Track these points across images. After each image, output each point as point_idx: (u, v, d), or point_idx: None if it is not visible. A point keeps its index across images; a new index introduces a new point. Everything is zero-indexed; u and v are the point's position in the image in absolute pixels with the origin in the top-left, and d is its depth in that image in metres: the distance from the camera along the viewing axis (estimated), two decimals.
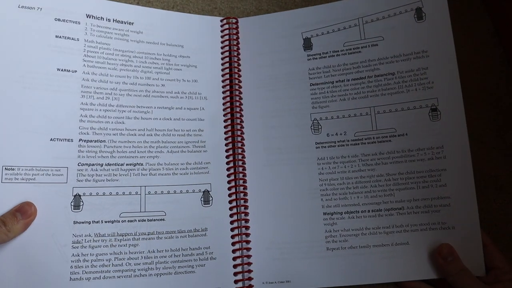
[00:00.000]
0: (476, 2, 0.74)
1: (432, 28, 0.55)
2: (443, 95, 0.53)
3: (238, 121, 0.56)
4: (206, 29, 0.59)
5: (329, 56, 0.57)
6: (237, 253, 0.49)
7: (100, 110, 0.52)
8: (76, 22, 0.53)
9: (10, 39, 0.50)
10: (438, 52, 0.54)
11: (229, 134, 0.55)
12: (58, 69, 0.51)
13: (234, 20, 0.60)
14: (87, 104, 0.51)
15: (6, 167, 0.47)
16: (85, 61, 0.52)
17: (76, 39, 0.52)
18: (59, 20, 0.52)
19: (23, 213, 0.46)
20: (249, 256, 0.49)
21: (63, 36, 0.52)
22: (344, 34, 0.57)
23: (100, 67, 0.53)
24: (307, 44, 0.58)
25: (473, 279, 0.47)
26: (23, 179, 0.47)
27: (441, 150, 0.52)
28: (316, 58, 0.57)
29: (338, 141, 0.54)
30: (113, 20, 0.55)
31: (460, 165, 0.52)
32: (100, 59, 0.53)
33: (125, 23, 0.55)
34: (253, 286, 0.48)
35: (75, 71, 0.51)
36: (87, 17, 0.54)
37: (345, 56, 0.56)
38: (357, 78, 0.55)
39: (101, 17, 0.55)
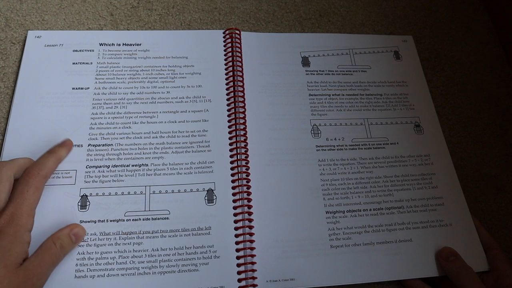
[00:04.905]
0: (476, 2, 0.74)
1: (407, 66, 0.66)
2: (422, 115, 0.62)
3: (242, 121, 0.56)
4: (208, 41, 0.63)
5: (325, 74, 0.62)
6: (241, 252, 0.50)
7: (109, 117, 0.55)
8: (90, 50, 0.60)
9: (35, 70, 0.58)
10: (414, 84, 0.64)
11: (233, 134, 0.56)
12: (73, 88, 0.57)
13: (237, 32, 0.63)
14: (97, 114, 0.55)
15: None
16: (96, 79, 0.58)
17: (90, 63, 0.59)
18: (76, 51, 0.60)
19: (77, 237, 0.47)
20: (253, 256, 0.50)
21: (78, 62, 0.59)
22: (337, 59, 0.65)
23: (110, 82, 0.58)
24: (305, 62, 0.63)
25: (475, 278, 0.47)
26: None
27: (428, 157, 0.58)
28: (314, 74, 0.62)
29: (337, 145, 0.57)
30: (123, 44, 0.61)
31: (446, 170, 0.58)
32: (110, 75, 0.58)
33: (133, 45, 0.61)
34: (256, 285, 0.48)
35: (88, 88, 0.57)
36: (100, 45, 0.61)
37: (339, 76, 0.63)
38: (350, 94, 0.62)
39: (112, 43, 0.61)
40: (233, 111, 0.57)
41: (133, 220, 0.50)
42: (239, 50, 0.61)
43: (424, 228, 0.53)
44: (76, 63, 0.59)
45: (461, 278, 0.48)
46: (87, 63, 0.59)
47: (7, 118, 0.54)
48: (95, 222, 0.49)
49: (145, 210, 0.51)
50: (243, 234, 0.50)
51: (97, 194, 0.51)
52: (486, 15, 0.73)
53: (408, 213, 0.54)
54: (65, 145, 0.50)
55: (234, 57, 0.61)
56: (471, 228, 0.54)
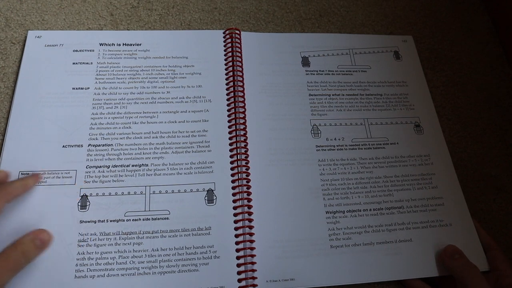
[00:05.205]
0: (476, 2, 0.74)
1: (407, 66, 0.66)
2: (422, 115, 0.62)
3: (242, 121, 0.56)
4: (208, 41, 0.63)
5: (325, 74, 0.62)
6: (241, 252, 0.50)
7: (109, 118, 0.55)
8: (90, 50, 0.60)
9: (36, 70, 0.58)
10: (414, 84, 0.64)
11: (233, 134, 0.56)
12: (73, 88, 0.57)
13: (237, 32, 0.63)
14: (97, 114, 0.55)
15: (22, 172, 0.51)
16: (97, 79, 0.58)
17: (90, 63, 0.59)
18: (76, 51, 0.60)
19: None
20: (253, 256, 0.50)
21: (79, 62, 0.59)
22: (337, 59, 0.65)
23: (110, 82, 0.58)
24: (305, 62, 0.63)
25: (480, 276, 0.47)
26: None
27: (428, 157, 0.58)
28: (314, 74, 0.62)
29: (337, 145, 0.57)
30: (123, 44, 0.61)
31: (446, 170, 0.58)
32: (111, 75, 0.58)
33: (133, 45, 0.61)
34: (256, 285, 0.48)
35: (88, 88, 0.57)
36: (100, 45, 0.61)
37: (339, 76, 0.63)
38: (350, 94, 0.61)
39: (112, 43, 0.61)
40: (233, 111, 0.57)
41: (133, 220, 0.50)
42: (239, 50, 0.61)
43: (424, 228, 0.53)
44: (76, 63, 0.59)
45: (465, 275, 0.48)
46: (87, 63, 0.59)
47: (7, 118, 0.54)
48: (95, 222, 0.49)
49: (145, 210, 0.51)
50: (243, 234, 0.51)
51: (97, 194, 0.51)
52: (486, 15, 0.73)
53: (408, 213, 0.54)
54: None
55: (234, 57, 0.61)
56: (471, 228, 0.54)
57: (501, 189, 0.58)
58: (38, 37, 0.60)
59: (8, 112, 0.55)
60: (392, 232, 0.53)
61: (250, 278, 0.48)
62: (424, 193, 0.56)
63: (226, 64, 0.61)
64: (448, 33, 0.70)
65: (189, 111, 0.57)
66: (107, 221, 0.50)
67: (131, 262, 0.48)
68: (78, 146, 0.53)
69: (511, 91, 0.66)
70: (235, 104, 0.57)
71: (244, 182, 0.53)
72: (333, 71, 0.63)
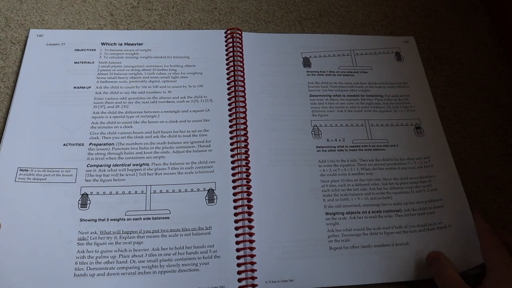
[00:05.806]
0: (476, 2, 0.74)
1: (409, 67, 0.66)
2: (423, 117, 0.61)
3: (242, 121, 0.56)
4: (210, 41, 0.63)
5: (326, 75, 0.62)
6: (241, 252, 0.50)
7: (110, 117, 0.56)
8: (92, 49, 0.61)
9: (37, 68, 0.58)
10: (416, 85, 0.64)
11: (234, 134, 0.56)
12: (75, 87, 0.57)
13: (238, 32, 0.63)
14: (98, 113, 0.56)
15: (21, 168, 0.51)
16: (98, 78, 0.58)
17: (91, 62, 0.59)
18: (78, 50, 0.60)
19: None
20: (253, 256, 0.50)
21: (80, 62, 0.59)
22: (338, 60, 0.65)
23: (111, 82, 0.58)
24: (306, 62, 0.63)
25: (451, 274, 0.47)
26: (34, 179, 0.51)
27: (428, 160, 0.58)
28: (315, 75, 0.62)
29: (337, 146, 0.57)
30: (125, 44, 0.61)
31: (447, 172, 0.58)
32: (112, 75, 0.58)
33: (135, 45, 0.61)
34: (256, 285, 0.48)
35: (89, 87, 0.57)
36: (102, 44, 0.61)
37: (340, 77, 0.63)
38: (351, 95, 0.61)
39: (114, 43, 0.61)
40: (234, 111, 0.57)
41: (133, 219, 0.50)
42: (240, 50, 0.62)
43: (421, 232, 0.53)
44: (78, 62, 0.59)
45: (439, 277, 0.47)
46: (89, 62, 0.59)
47: (6, 118, 0.54)
48: (96, 221, 0.50)
49: (145, 210, 0.51)
50: (243, 234, 0.51)
51: (97, 193, 0.51)
52: (486, 15, 0.73)
53: (406, 216, 0.54)
54: None
55: (235, 57, 0.61)
56: (472, 227, 0.53)
57: (501, 189, 0.58)
58: (40, 35, 0.60)
59: (8, 111, 0.55)
60: (390, 235, 0.52)
61: (250, 278, 0.48)
62: (422, 196, 0.55)
63: (227, 64, 0.61)
64: (448, 33, 0.70)
65: (190, 111, 0.57)
66: (108, 220, 0.50)
67: (132, 261, 0.48)
68: (79, 144, 0.53)
69: (511, 91, 0.66)
70: (236, 104, 0.58)
71: (245, 182, 0.53)
72: (334, 71, 0.63)
